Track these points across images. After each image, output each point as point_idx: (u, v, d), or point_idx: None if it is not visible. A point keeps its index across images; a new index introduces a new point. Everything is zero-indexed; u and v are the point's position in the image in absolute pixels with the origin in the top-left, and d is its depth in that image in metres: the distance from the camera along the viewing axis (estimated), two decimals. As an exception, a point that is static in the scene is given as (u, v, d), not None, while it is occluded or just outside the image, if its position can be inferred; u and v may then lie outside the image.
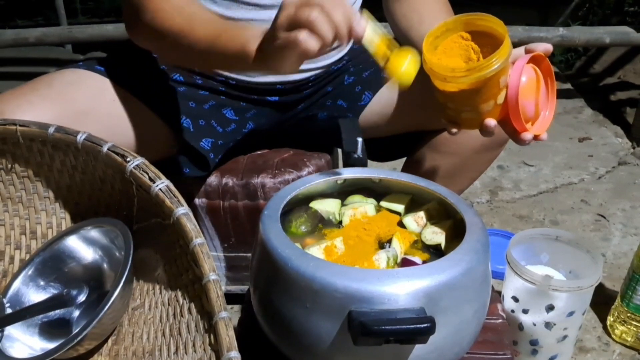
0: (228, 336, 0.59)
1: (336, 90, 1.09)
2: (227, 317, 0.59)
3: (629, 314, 1.08)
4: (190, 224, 0.64)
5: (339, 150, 1.29)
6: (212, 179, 1.07)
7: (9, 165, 0.80)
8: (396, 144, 1.13)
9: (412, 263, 0.66)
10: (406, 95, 1.02)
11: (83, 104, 0.90)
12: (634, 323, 1.08)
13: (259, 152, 1.14)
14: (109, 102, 0.93)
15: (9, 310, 0.74)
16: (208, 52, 0.76)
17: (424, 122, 1.03)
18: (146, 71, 1.01)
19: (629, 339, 1.10)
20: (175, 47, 0.81)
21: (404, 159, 1.15)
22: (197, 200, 1.08)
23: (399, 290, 0.57)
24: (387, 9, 1.05)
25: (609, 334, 1.15)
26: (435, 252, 0.70)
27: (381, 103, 1.05)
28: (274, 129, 1.13)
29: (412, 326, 0.55)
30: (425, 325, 0.55)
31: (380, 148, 1.15)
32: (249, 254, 1.14)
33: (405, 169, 1.11)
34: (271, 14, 0.88)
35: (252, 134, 1.11)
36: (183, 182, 1.06)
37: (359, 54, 1.12)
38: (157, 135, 0.99)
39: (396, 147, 1.15)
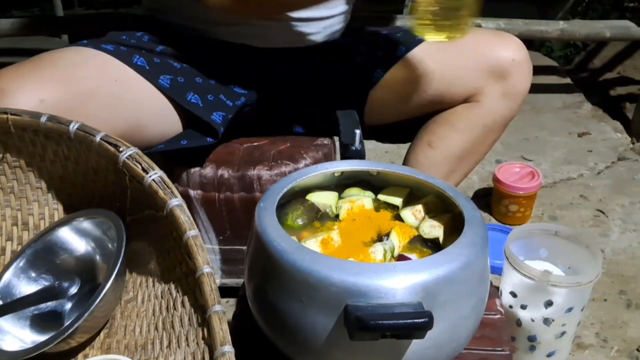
0: (222, 330, 0.58)
1: (348, 70, 1.10)
2: (221, 310, 0.58)
3: None
4: (183, 216, 0.63)
5: (336, 145, 1.28)
6: (208, 171, 1.06)
7: (1, 155, 0.78)
8: (407, 127, 1.14)
9: (408, 259, 0.65)
10: (420, 69, 1.05)
11: (87, 84, 0.88)
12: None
13: (255, 144, 1.13)
14: (113, 82, 0.91)
15: (-1, 302, 0.73)
16: None
17: (438, 98, 1.06)
18: (152, 48, 1.01)
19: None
20: None
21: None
22: (192, 192, 1.07)
23: (396, 284, 0.56)
24: None
25: (607, 330, 1.14)
26: (433, 246, 0.69)
27: (395, 79, 1.07)
28: (282, 107, 1.13)
29: (410, 321, 0.54)
30: (422, 320, 0.54)
31: (391, 130, 1.15)
32: (245, 247, 1.14)
33: (413, 149, 1.11)
34: None
35: (260, 109, 1.11)
36: (178, 172, 1.05)
37: (366, 34, 1.14)
38: (163, 114, 0.98)
39: (407, 130, 1.15)
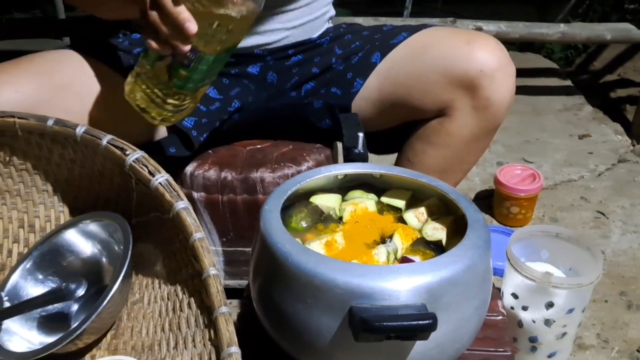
0: (228, 331, 0.58)
1: (327, 76, 1.08)
2: (227, 312, 0.59)
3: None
4: (190, 219, 0.64)
5: (339, 144, 1.29)
6: (211, 173, 1.07)
7: (7, 158, 0.79)
8: (388, 138, 1.12)
9: (411, 262, 0.66)
10: (391, 79, 1.02)
11: (64, 78, 0.90)
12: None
13: (258, 146, 1.14)
14: (91, 78, 0.93)
15: (7, 304, 0.74)
16: None
17: (410, 108, 1.02)
18: (130, 50, 1.01)
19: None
20: None
21: (396, 154, 1.15)
22: (195, 194, 1.08)
23: (400, 286, 0.57)
24: None
25: (608, 331, 1.14)
26: (436, 248, 0.69)
27: (370, 88, 1.04)
28: (265, 114, 1.12)
29: (414, 322, 0.54)
30: (426, 321, 0.54)
31: (373, 141, 1.14)
32: (248, 249, 1.14)
33: (398, 164, 1.10)
34: None
35: (240, 115, 1.10)
36: (181, 174, 1.06)
37: (342, 35, 1.11)
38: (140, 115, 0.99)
39: (388, 141, 1.14)
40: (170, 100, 0.80)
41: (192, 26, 0.70)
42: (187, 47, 0.73)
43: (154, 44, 0.73)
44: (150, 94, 0.80)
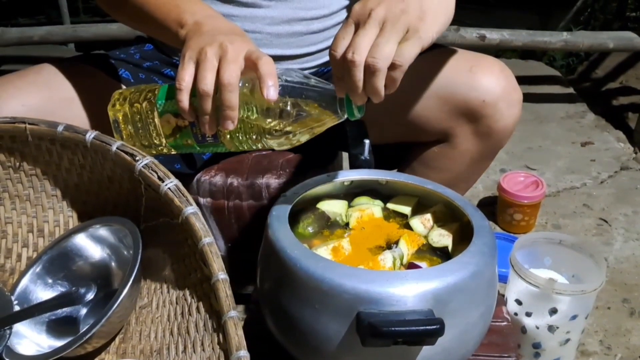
0: (237, 335, 0.59)
1: None
2: (237, 316, 0.60)
3: None
4: (199, 223, 0.64)
5: (343, 154, 1.29)
6: (217, 179, 1.07)
7: (17, 164, 0.80)
8: (386, 154, 1.12)
9: (418, 268, 0.67)
10: (391, 102, 1.00)
11: (69, 91, 0.90)
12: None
13: (263, 153, 1.15)
14: (97, 91, 0.92)
15: (17, 308, 0.75)
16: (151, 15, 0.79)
17: (410, 131, 1.01)
18: (140, 64, 1.02)
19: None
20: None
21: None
22: (201, 200, 1.09)
23: (408, 292, 0.58)
24: None
25: (610, 338, 1.15)
26: (442, 254, 0.70)
27: (371, 108, 1.03)
28: None
29: (422, 328, 0.55)
30: (434, 327, 0.55)
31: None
32: (253, 254, 1.15)
33: None
34: (252, 12, 0.92)
35: None
36: (188, 180, 1.07)
37: None
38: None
39: (386, 157, 1.13)
40: (150, 144, 0.75)
41: (230, 125, 0.65)
42: (212, 132, 0.69)
43: (183, 105, 0.67)
44: (134, 120, 0.74)
